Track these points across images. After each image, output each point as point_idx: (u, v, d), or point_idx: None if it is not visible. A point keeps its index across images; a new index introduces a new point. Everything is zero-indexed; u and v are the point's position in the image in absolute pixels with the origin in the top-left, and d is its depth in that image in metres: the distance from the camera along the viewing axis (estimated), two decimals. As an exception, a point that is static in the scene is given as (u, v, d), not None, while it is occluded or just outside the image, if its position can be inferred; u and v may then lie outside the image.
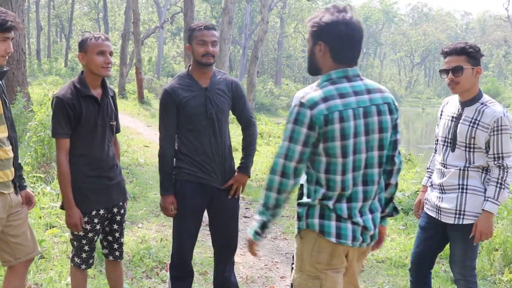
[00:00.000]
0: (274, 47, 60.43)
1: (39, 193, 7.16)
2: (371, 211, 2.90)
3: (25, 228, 3.80)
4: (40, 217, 6.40)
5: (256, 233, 2.93)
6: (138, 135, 16.20)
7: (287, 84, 55.26)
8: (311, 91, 2.78)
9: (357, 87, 2.79)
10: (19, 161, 3.79)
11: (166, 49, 59.10)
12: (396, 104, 2.91)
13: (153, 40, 57.37)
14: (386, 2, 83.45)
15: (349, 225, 2.81)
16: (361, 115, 2.75)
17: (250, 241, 3.00)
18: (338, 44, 2.77)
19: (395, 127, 2.91)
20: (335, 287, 2.88)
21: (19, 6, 11.21)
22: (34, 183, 7.52)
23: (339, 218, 2.80)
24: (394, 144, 2.96)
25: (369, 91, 2.82)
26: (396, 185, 3.08)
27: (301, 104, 2.72)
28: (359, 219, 2.82)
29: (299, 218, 2.91)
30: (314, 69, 2.92)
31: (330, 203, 2.79)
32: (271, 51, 60.82)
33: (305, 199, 2.90)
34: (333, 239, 2.79)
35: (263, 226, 2.89)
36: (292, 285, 3.15)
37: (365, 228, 2.85)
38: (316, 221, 2.82)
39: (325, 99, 2.70)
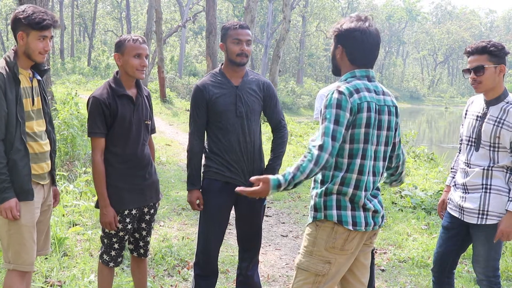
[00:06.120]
0: (296, 46, 60.38)
1: (62, 191, 7.25)
2: (374, 196, 3.18)
3: (44, 227, 3.84)
4: (63, 215, 6.47)
5: (278, 186, 2.92)
6: (160, 134, 16.26)
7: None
8: (343, 83, 3.07)
9: (375, 87, 3.14)
10: (54, 160, 3.86)
11: (188, 48, 59.39)
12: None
13: (175, 39, 57.62)
14: (409, 0, 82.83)
15: (362, 213, 3.10)
16: (377, 111, 3.08)
17: (263, 189, 2.96)
18: (353, 48, 3.11)
19: (396, 130, 3.26)
20: (338, 273, 3.14)
21: (43, 6, 11.30)
22: (57, 181, 7.57)
23: (353, 208, 3.08)
24: (394, 145, 3.29)
25: (383, 92, 3.18)
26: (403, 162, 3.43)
27: (340, 92, 2.99)
28: (370, 205, 3.11)
29: (317, 209, 3.12)
30: (335, 70, 3.29)
31: (349, 190, 3.05)
32: (293, 50, 60.78)
33: (319, 188, 3.11)
34: (351, 227, 3.06)
35: (289, 185, 2.92)
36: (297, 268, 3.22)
37: (375, 212, 3.16)
38: (334, 212, 3.07)
39: (357, 90, 3.03)
